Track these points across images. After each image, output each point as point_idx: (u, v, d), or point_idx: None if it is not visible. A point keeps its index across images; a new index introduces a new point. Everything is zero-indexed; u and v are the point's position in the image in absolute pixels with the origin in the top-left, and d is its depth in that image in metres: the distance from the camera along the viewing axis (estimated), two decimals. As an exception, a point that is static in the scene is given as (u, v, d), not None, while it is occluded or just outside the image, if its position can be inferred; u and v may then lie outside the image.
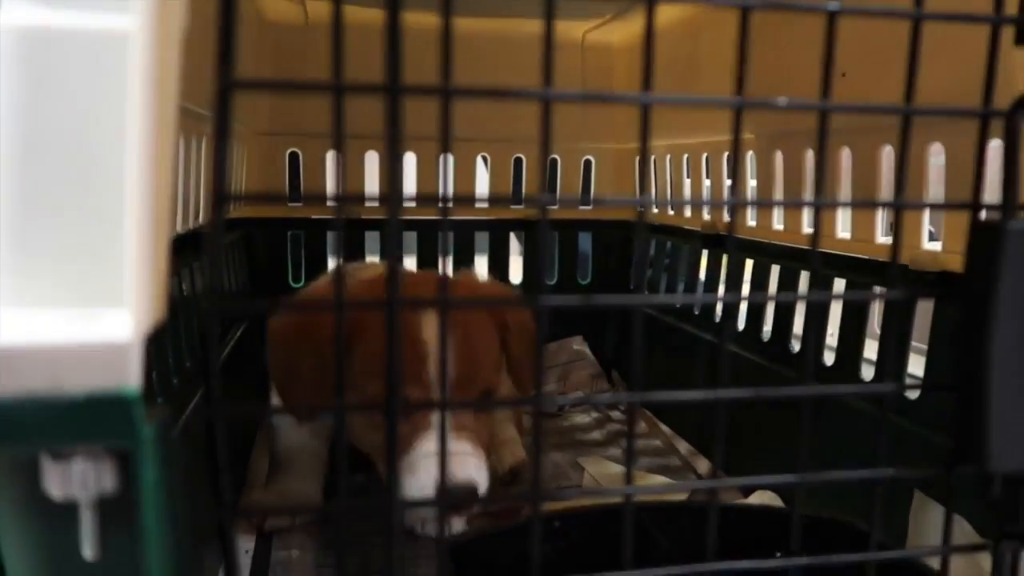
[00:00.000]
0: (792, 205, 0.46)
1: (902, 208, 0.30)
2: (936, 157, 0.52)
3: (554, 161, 1.12)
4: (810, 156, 0.68)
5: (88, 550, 0.23)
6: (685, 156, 0.95)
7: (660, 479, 0.79)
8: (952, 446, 0.30)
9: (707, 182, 0.90)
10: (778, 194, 0.73)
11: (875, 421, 0.57)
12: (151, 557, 0.23)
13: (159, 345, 0.39)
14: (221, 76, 0.25)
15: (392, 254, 0.25)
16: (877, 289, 0.59)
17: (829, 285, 0.64)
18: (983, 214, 0.30)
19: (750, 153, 0.77)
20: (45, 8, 0.23)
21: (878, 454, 0.31)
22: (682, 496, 0.56)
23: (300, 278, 1.07)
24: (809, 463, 0.30)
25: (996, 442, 0.29)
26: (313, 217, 1.06)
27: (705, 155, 0.90)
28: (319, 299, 0.66)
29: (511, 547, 0.38)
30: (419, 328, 0.57)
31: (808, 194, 0.69)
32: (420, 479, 0.54)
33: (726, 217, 0.85)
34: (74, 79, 0.23)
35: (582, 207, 1.13)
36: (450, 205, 0.26)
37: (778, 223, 0.73)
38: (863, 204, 0.37)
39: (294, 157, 1.05)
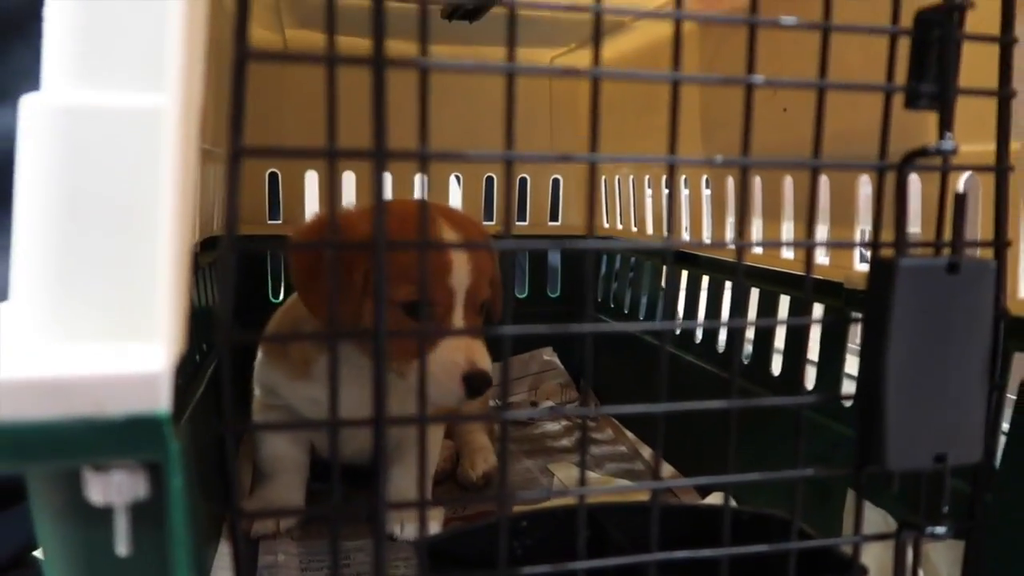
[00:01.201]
0: (716, 247, 0.51)
1: (812, 247, 0.35)
2: (864, 187, 0.57)
3: (524, 180, 1.17)
4: (758, 182, 0.73)
5: (122, 547, 0.27)
6: (647, 177, 1.01)
7: (623, 482, 0.83)
8: (858, 447, 0.35)
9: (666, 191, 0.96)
10: (730, 216, 0.78)
11: (815, 426, 0.62)
12: (178, 551, 0.27)
13: (184, 378, 0.43)
14: (232, 143, 0.29)
15: (379, 287, 0.30)
16: (818, 311, 0.64)
17: (775, 301, 0.69)
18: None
19: (704, 176, 0.83)
20: (84, 88, 0.27)
21: (796, 455, 0.36)
22: (641, 497, 0.61)
23: (279, 294, 1.11)
24: (739, 465, 0.35)
25: (892, 444, 0.34)
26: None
27: (664, 177, 0.95)
28: (345, 213, 0.71)
29: (482, 545, 0.42)
30: (441, 237, 0.66)
31: (757, 218, 0.74)
32: (448, 368, 0.63)
33: (684, 236, 0.90)
34: (114, 147, 0.27)
35: (551, 223, 1.18)
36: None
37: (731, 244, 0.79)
38: (774, 244, 0.42)
39: (273, 177, 1.09)
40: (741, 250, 0.35)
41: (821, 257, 0.66)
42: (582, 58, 1.11)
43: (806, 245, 0.36)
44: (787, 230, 0.69)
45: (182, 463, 0.26)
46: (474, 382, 0.63)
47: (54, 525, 0.28)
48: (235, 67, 0.29)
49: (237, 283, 1.16)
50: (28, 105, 0.27)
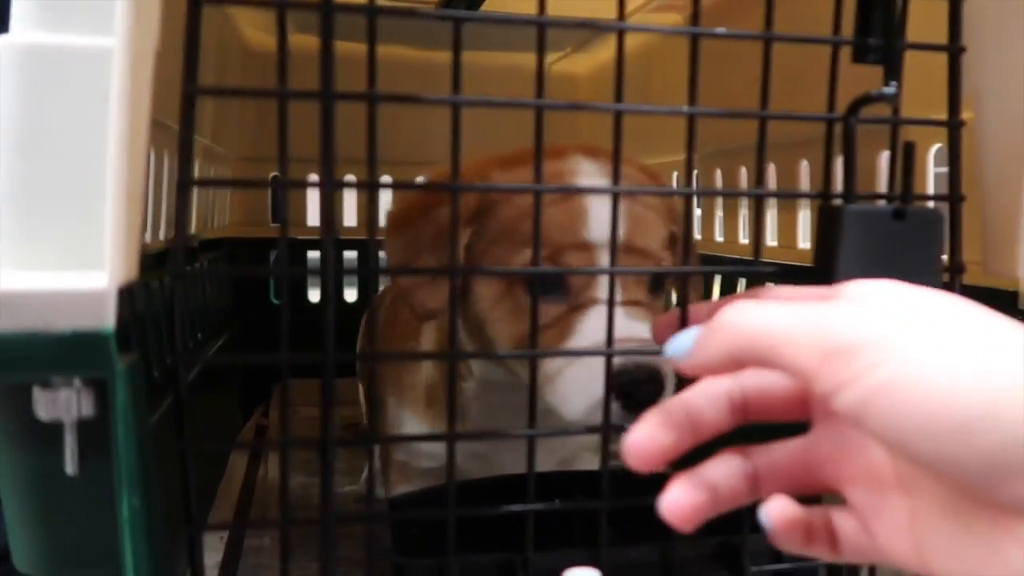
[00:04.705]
0: (661, 193, 0.50)
1: (761, 197, 0.36)
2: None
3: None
4: (744, 173, 0.74)
5: (70, 467, 0.28)
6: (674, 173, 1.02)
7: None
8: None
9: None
10: (719, 208, 0.79)
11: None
12: (124, 468, 0.28)
13: (132, 306, 0.43)
14: (185, 84, 0.30)
15: (327, 221, 0.30)
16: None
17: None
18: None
19: (695, 171, 0.83)
20: (44, 30, 0.29)
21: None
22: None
23: (282, 295, 1.12)
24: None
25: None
26: (292, 237, 1.11)
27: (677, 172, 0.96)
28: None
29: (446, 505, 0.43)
30: (574, 182, 0.47)
31: (744, 206, 0.75)
32: (588, 373, 0.41)
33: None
34: (67, 85, 0.28)
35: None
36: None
37: (719, 235, 0.79)
38: (729, 193, 0.42)
39: (272, 187, 1.11)
40: (690, 198, 0.36)
41: (803, 242, 0.66)
42: (579, 62, 1.12)
43: (755, 195, 0.36)
44: (771, 217, 0.69)
45: (127, 382, 0.27)
46: (633, 388, 0.39)
47: (7, 447, 0.29)
48: (189, 11, 0.30)
49: (240, 284, 1.15)
50: (-7, 45, 0.28)
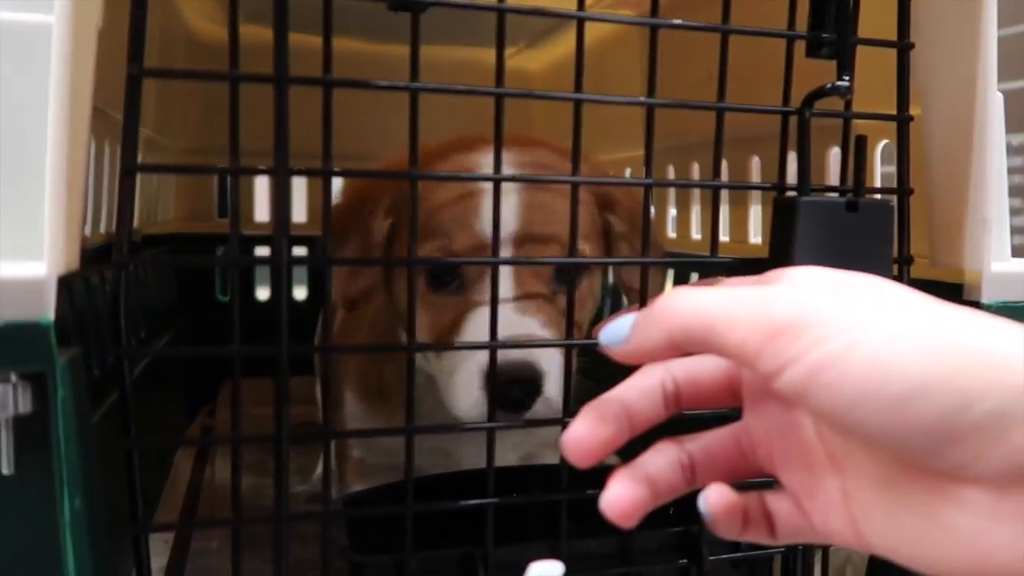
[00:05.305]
0: (626, 184, 0.49)
1: (718, 189, 0.36)
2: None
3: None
4: (696, 168, 0.75)
5: (6, 466, 0.27)
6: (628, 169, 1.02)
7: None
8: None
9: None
10: (671, 203, 0.80)
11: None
12: (64, 467, 0.26)
13: (72, 297, 0.41)
14: (131, 64, 0.29)
15: (282, 205, 0.30)
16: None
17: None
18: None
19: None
20: (-21, 5, 0.27)
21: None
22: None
23: (227, 292, 1.10)
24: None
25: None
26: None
27: (611, 171, 0.97)
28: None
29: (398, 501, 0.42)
30: (473, 171, 0.46)
31: (697, 202, 0.76)
32: (468, 372, 0.41)
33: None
34: (4, 64, 0.27)
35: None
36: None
37: (672, 231, 0.80)
38: (685, 184, 0.43)
39: (224, 175, 1.08)
40: (649, 188, 0.36)
41: (755, 237, 0.67)
42: (532, 59, 1.12)
43: (712, 186, 0.36)
44: (723, 212, 0.70)
45: (67, 376, 0.26)
46: (504, 387, 0.39)
47: (-63, 447, 0.27)
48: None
49: (185, 281, 1.11)
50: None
